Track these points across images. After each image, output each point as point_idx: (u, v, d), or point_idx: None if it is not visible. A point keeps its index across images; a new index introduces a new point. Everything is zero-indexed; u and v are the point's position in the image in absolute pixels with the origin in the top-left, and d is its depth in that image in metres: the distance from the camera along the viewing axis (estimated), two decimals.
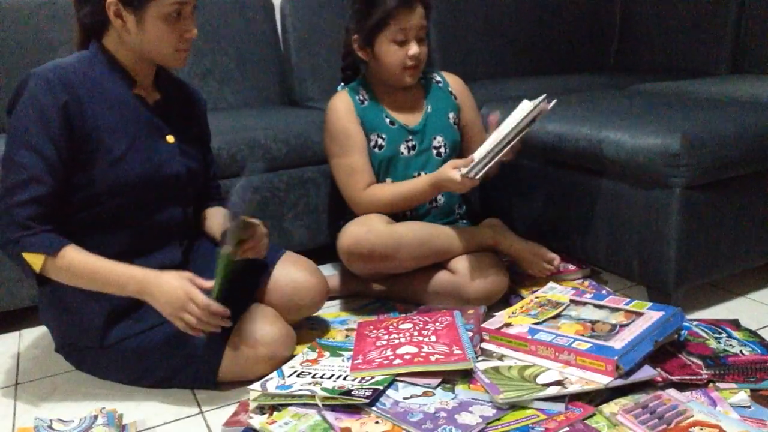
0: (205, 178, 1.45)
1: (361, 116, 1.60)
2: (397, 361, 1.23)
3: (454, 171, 1.43)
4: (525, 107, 1.40)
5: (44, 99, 1.17)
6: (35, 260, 1.17)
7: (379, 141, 1.61)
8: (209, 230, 1.43)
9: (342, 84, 1.68)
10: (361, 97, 1.63)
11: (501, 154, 1.40)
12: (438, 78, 1.72)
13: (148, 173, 1.26)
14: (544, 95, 1.39)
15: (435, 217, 1.64)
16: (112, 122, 1.23)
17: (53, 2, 2.01)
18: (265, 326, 1.28)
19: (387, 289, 1.65)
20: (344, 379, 1.20)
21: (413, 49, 1.53)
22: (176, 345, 1.25)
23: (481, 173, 1.40)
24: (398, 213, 1.61)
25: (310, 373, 1.24)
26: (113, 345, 1.27)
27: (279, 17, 2.43)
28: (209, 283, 1.18)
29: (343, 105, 1.60)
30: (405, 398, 1.15)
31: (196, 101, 1.45)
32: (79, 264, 1.18)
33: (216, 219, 1.42)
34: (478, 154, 1.41)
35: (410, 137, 1.62)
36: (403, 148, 1.61)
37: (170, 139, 1.32)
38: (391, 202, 1.57)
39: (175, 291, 1.17)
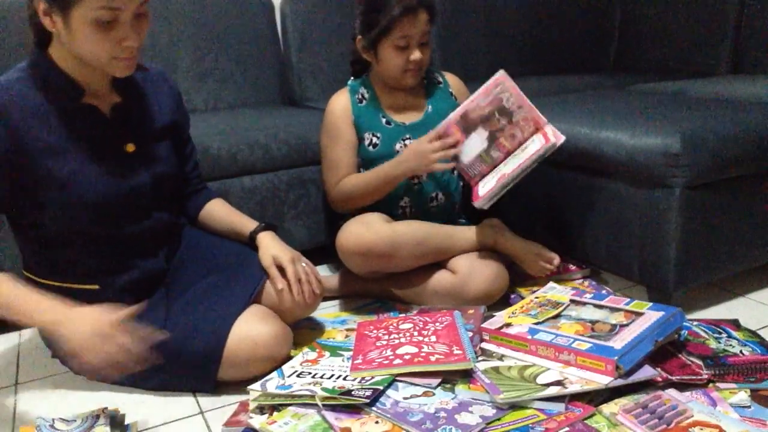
0: (185, 172, 1.41)
1: (356, 115, 1.62)
2: (397, 361, 1.23)
3: (424, 143, 1.48)
4: (500, 77, 1.47)
5: None
6: None
7: (374, 140, 1.61)
8: (217, 230, 1.44)
9: (352, 77, 1.70)
10: (360, 96, 1.64)
11: (513, 183, 1.44)
12: (439, 78, 1.72)
13: (110, 190, 1.21)
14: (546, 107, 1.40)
15: (435, 217, 1.64)
16: (55, 144, 1.17)
17: None
18: (262, 326, 1.27)
19: (391, 290, 1.65)
20: (344, 379, 1.20)
21: (415, 54, 1.54)
22: (171, 352, 1.24)
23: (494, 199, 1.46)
24: (398, 212, 1.62)
25: (310, 373, 1.24)
26: None
27: (279, 17, 2.43)
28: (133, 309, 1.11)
29: (339, 103, 1.64)
30: (405, 398, 1.15)
31: (162, 87, 1.36)
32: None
33: (218, 214, 1.44)
34: (491, 181, 1.46)
35: (407, 135, 1.62)
36: (398, 147, 1.62)
37: (130, 148, 1.26)
38: (358, 185, 1.58)
39: (95, 318, 1.06)
